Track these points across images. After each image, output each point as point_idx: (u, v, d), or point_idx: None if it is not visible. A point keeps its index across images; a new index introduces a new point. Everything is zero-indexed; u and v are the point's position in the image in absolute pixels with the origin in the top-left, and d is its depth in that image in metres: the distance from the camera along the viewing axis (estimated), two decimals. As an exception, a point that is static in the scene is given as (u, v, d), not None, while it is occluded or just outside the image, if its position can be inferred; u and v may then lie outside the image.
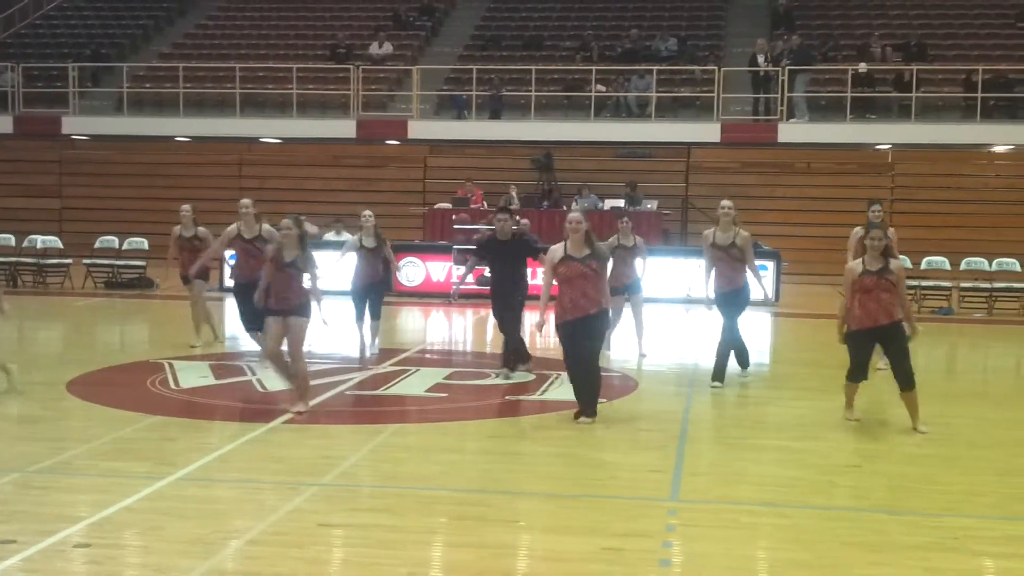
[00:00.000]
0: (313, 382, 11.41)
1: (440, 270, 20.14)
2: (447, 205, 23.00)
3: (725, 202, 11.52)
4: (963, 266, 19.85)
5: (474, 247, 12.02)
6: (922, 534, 6.71)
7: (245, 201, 12.80)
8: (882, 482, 7.96)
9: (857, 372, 9.55)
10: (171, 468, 7.83)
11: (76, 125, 26.35)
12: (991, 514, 7.27)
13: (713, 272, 11.46)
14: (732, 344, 11.50)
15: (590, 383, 9.50)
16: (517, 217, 20.58)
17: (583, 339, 9.31)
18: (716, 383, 11.32)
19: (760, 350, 15.87)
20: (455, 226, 20.68)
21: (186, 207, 13.87)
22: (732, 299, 11.35)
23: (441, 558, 6.32)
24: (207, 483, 7.58)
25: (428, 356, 13.88)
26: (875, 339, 9.45)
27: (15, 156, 27.42)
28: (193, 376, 11.61)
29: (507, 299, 11.55)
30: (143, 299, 19.34)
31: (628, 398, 11.06)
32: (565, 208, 23.05)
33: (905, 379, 9.37)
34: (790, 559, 6.24)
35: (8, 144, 27.05)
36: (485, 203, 22.99)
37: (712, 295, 11.53)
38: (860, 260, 9.41)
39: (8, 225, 23.55)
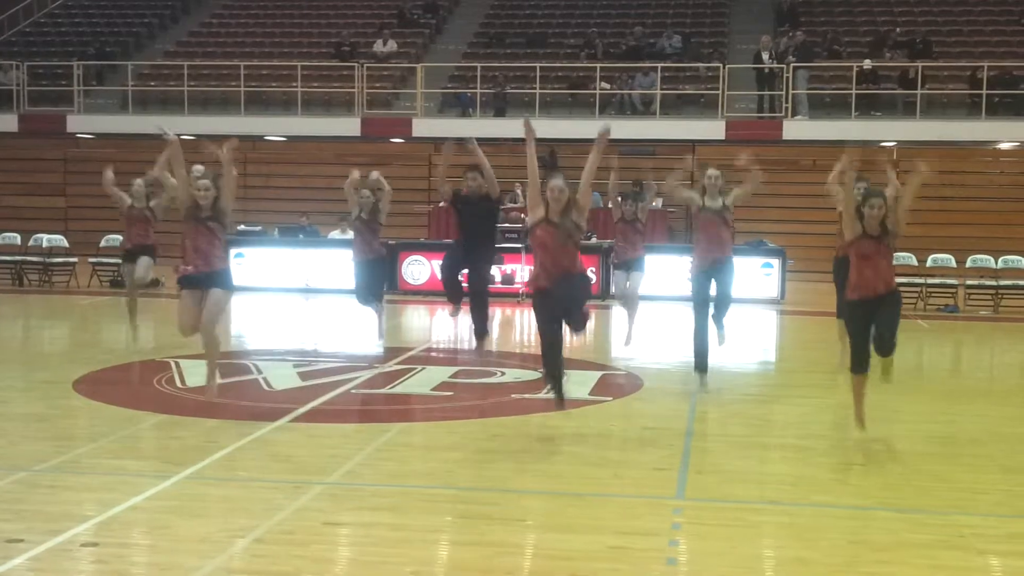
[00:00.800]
0: (320, 380, 11.46)
1: (445, 268, 20.12)
2: (452, 203, 22.99)
3: (712, 171, 10.92)
4: (969, 263, 19.84)
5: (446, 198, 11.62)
6: (928, 532, 6.71)
7: (198, 167, 11.78)
8: (887, 480, 7.96)
9: (859, 358, 8.78)
10: (178, 467, 7.85)
11: (81, 123, 26.41)
12: (996, 512, 7.27)
13: (702, 241, 10.87)
14: (725, 302, 11.03)
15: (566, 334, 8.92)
16: (523, 216, 20.68)
17: (563, 292, 8.70)
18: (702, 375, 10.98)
19: (765, 348, 15.89)
20: (460, 224, 20.65)
21: (139, 181, 13.06)
22: (725, 266, 10.93)
23: (446, 557, 6.33)
24: (214, 482, 7.60)
25: (434, 355, 13.89)
26: (872, 309, 8.68)
27: (20, 155, 27.48)
28: (200, 375, 11.59)
29: (476, 251, 11.12)
30: (149, 297, 19.33)
31: (633, 396, 11.06)
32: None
33: (885, 348, 8.72)
34: (796, 557, 6.25)
35: (13, 143, 27.10)
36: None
37: (702, 264, 10.91)
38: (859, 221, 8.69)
39: (13, 224, 23.59)
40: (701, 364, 11.03)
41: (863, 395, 8.95)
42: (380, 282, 13.06)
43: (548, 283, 8.75)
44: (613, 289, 13.44)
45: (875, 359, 8.84)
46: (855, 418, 8.98)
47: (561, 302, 8.71)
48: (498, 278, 19.70)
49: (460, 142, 10.98)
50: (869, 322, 8.72)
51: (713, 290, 11.01)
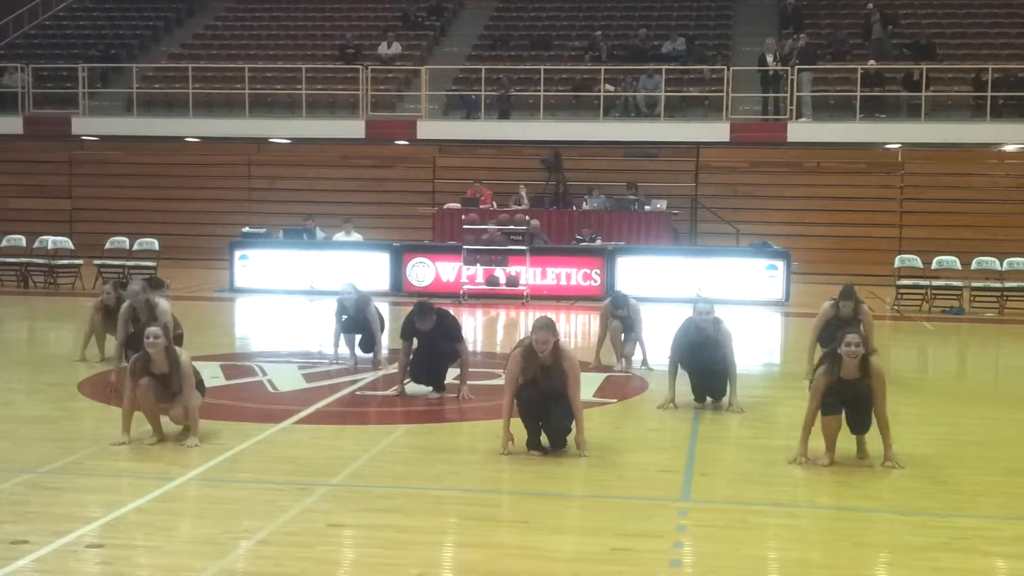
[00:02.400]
0: (325, 382, 11.47)
1: (450, 270, 20.16)
2: (456, 205, 23.03)
3: (701, 306, 10.29)
4: (974, 265, 19.82)
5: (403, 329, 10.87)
6: (931, 534, 6.72)
7: (134, 288, 11.14)
8: (891, 482, 7.96)
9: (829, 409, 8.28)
10: (182, 468, 7.87)
11: (86, 126, 26.43)
12: (1000, 514, 7.27)
13: (687, 363, 10.32)
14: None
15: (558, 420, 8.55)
16: (528, 217, 20.70)
17: (554, 412, 8.44)
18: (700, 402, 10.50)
19: (770, 350, 15.88)
20: (464, 226, 20.70)
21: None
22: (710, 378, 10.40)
23: (451, 558, 6.34)
24: (218, 483, 7.61)
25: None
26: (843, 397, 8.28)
27: (25, 157, 27.50)
28: (204, 376, 11.59)
29: (429, 374, 10.75)
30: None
31: (638, 398, 11.07)
32: (574, 208, 23.11)
33: (860, 429, 8.36)
34: (800, 559, 6.26)
35: (18, 145, 27.13)
36: (494, 203, 23.02)
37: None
38: (833, 368, 8.19)
39: (19, 226, 23.60)
40: (700, 395, 10.53)
41: (835, 439, 8.33)
42: (368, 341, 12.50)
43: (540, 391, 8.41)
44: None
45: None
46: (827, 450, 8.34)
47: (548, 427, 8.52)
48: (503, 280, 19.71)
49: None
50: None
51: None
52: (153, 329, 8.57)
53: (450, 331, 10.77)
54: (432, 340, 10.67)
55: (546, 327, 8.36)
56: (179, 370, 8.57)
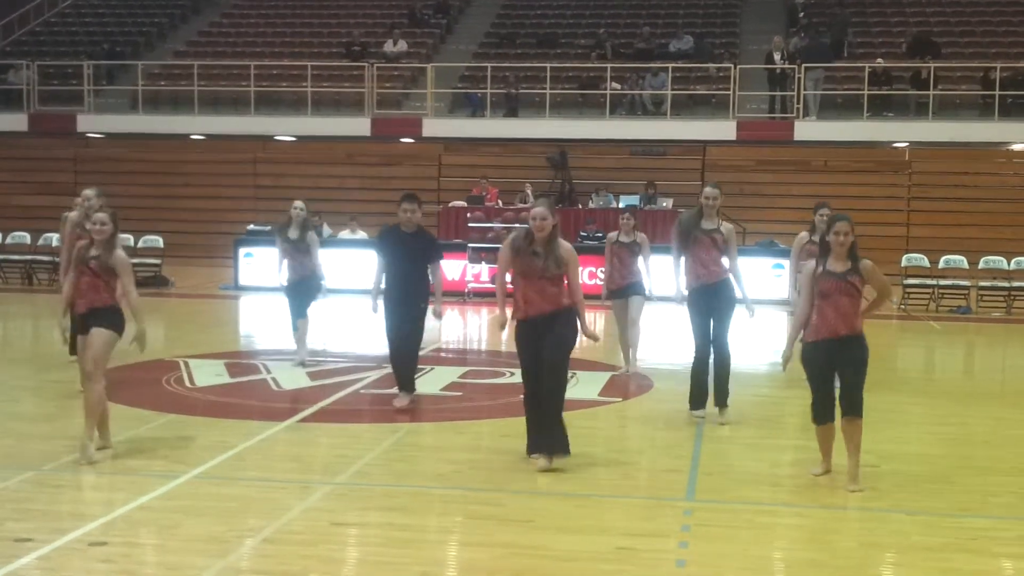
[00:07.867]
0: (329, 380, 11.44)
1: (455, 268, 20.12)
2: (462, 203, 22.99)
3: (709, 190, 9.79)
4: (981, 265, 19.77)
5: (377, 243, 10.38)
6: (939, 534, 6.68)
7: (88, 192, 10.80)
8: (899, 482, 7.91)
9: (822, 407, 7.85)
10: (186, 466, 7.85)
11: (91, 123, 26.42)
12: (1008, 514, 7.23)
13: (688, 263, 9.70)
14: (723, 362, 9.75)
15: (549, 402, 7.98)
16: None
17: (547, 343, 7.91)
18: (699, 411, 9.82)
19: (776, 350, 15.81)
20: (470, 224, 20.66)
21: (89, 192, 10.91)
22: (716, 293, 9.62)
23: (455, 557, 6.31)
24: (222, 481, 7.59)
25: (443, 355, 13.86)
26: (832, 353, 7.71)
27: (30, 154, 27.51)
28: (208, 374, 11.62)
29: (406, 306, 10.03)
30: (158, 297, 19.36)
31: (644, 397, 11.02)
32: (580, 207, 23.07)
33: (852, 405, 7.70)
34: (807, 559, 6.22)
35: (23, 142, 27.14)
36: (500, 201, 22.98)
37: (686, 289, 9.80)
38: (823, 257, 7.91)
39: (23, 223, 23.61)
40: (698, 398, 9.88)
41: (830, 448, 7.96)
42: (305, 302, 12.39)
43: (533, 314, 8.02)
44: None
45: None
46: (823, 458, 8.03)
47: (547, 352, 7.94)
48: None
49: None
50: (831, 368, 7.81)
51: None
52: (100, 216, 8.34)
53: (433, 244, 10.29)
54: (412, 250, 9.96)
55: (545, 206, 8.12)
56: (116, 260, 8.27)
